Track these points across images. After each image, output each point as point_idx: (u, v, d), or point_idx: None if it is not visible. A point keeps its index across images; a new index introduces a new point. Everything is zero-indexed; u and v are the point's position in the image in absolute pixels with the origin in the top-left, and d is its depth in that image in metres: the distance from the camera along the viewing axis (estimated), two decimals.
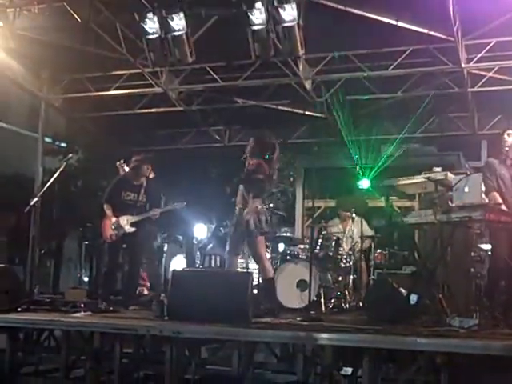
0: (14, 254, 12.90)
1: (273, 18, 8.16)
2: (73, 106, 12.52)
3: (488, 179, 6.35)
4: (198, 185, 13.05)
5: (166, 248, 11.03)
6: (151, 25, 8.60)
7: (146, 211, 8.28)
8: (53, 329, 6.85)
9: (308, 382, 5.88)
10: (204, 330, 5.70)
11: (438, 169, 6.73)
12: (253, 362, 6.13)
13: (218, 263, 10.85)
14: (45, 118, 12.30)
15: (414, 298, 6.11)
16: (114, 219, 8.18)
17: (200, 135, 13.57)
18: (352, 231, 9.56)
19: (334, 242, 8.91)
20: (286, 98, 11.80)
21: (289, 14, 8.10)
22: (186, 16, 8.52)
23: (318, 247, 8.82)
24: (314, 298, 7.60)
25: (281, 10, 8.10)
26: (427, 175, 6.54)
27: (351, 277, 8.90)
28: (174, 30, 8.56)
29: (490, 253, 6.97)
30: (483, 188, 6.01)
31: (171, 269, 9.08)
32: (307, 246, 9.06)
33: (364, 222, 9.50)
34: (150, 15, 8.58)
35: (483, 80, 10.51)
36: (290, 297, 8.11)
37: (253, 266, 8.76)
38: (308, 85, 10.92)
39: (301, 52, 8.54)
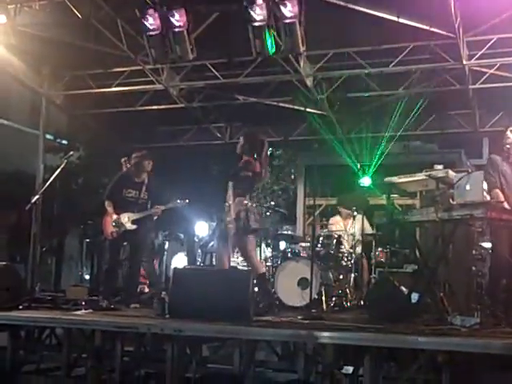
0: (15, 251, 12.90)
1: (274, 14, 8.14)
2: (74, 103, 12.50)
3: (491, 176, 6.35)
4: (199, 182, 13.04)
5: (167, 246, 11.05)
6: (152, 21, 8.58)
7: (148, 208, 8.28)
8: (54, 327, 6.86)
9: (309, 380, 5.88)
10: (205, 329, 5.70)
11: (440, 166, 6.71)
12: (254, 361, 6.13)
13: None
14: (46, 115, 12.28)
15: (415, 297, 6.11)
16: (115, 216, 8.17)
17: (201, 132, 13.55)
18: (353, 229, 9.55)
19: (335, 240, 8.90)
20: (287, 95, 11.77)
21: (290, 10, 8.08)
22: (186, 12, 8.50)
23: (319, 245, 8.82)
24: (315, 296, 7.60)
25: (282, 7, 8.08)
26: (428, 173, 6.52)
27: (352, 275, 8.89)
28: (175, 27, 8.54)
29: (490, 251, 6.96)
30: (485, 186, 6.00)
31: (172, 267, 9.09)
32: (308, 244, 9.06)
33: (365, 220, 9.49)
34: (150, 11, 8.56)
35: (485, 77, 10.48)
36: (291, 295, 8.11)
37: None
38: (309, 82, 10.90)
39: (302, 49, 8.52)
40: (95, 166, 13.47)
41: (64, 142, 14.14)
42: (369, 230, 9.64)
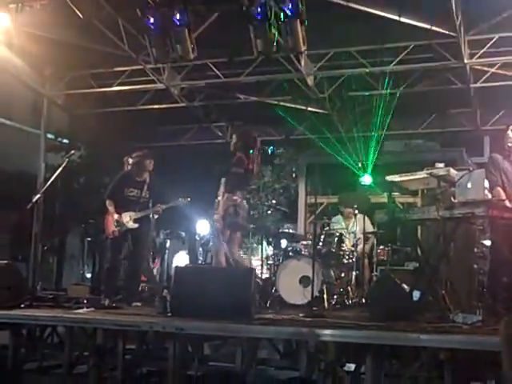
0: (17, 250, 12.89)
1: (275, 13, 8.15)
2: (75, 103, 12.51)
3: (492, 174, 6.35)
4: (200, 181, 13.04)
5: (168, 244, 11.04)
6: (153, 21, 8.59)
7: (149, 207, 8.29)
8: (56, 325, 6.88)
9: (311, 378, 5.88)
10: (207, 327, 5.70)
11: (441, 165, 6.70)
12: (256, 359, 6.14)
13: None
14: (47, 115, 12.30)
15: (416, 295, 6.11)
16: (116, 215, 8.19)
17: (202, 131, 13.57)
18: (354, 227, 9.55)
19: (336, 239, 8.91)
20: (288, 94, 11.78)
21: (291, 9, 8.09)
22: (188, 12, 8.51)
23: (320, 243, 8.83)
24: (316, 294, 7.61)
25: (283, 6, 8.09)
26: (430, 171, 6.51)
27: (354, 273, 8.90)
28: (176, 26, 8.55)
29: (490, 249, 6.96)
30: (486, 184, 6.00)
31: (174, 265, 9.10)
32: (310, 243, 9.06)
33: (366, 219, 9.50)
34: (152, 11, 8.57)
35: (486, 76, 10.49)
36: (293, 293, 8.11)
37: (256, 262, 8.79)
38: (310, 81, 10.90)
39: (303, 48, 8.53)
40: (96, 165, 13.46)
41: (65, 141, 14.12)
42: (370, 228, 9.64)
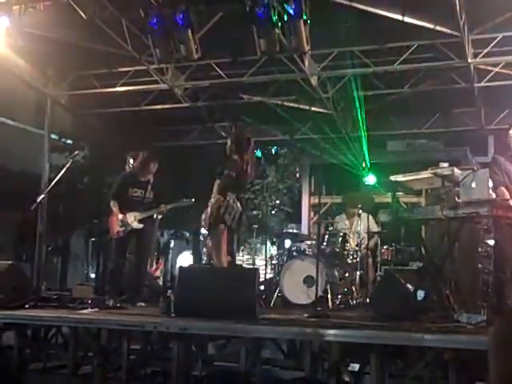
0: (21, 250, 12.92)
1: (278, 13, 8.15)
2: (79, 103, 12.52)
3: (495, 174, 6.34)
4: (204, 181, 13.05)
5: (172, 244, 11.06)
6: (156, 21, 8.59)
7: (154, 207, 8.30)
8: (60, 325, 6.88)
9: (315, 378, 5.87)
10: (211, 327, 5.71)
11: (445, 164, 6.70)
12: (260, 359, 6.13)
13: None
14: (51, 115, 12.31)
15: (421, 294, 6.10)
16: (121, 216, 8.20)
17: (206, 131, 13.57)
18: (358, 227, 9.56)
19: (340, 238, 8.92)
20: (292, 94, 11.78)
21: (294, 9, 8.08)
22: (191, 12, 8.51)
23: (324, 243, 8.83)
24: (320, 294, 7.61)
25: (286, 6, 8.09)
26: (434, 171, 6.51)
27: (358, 273, 8.90)
28: (180, 27, 8.55)
29: (493, 248, 6.93)
30: (490, 184, 5.99)
31: (178, 265, 9.11)
32: (314, 243, 9.07)
33: (370, 218, 9.50)
34: (155, 11, 8.57)
35: (490, 75, 10.47)
36: (297, 293, 8.13)
37: (260, 262, 8.80)
38: (314, 81, 10.90)
39: (306, 48, 8.53)
40: (100, 165, 13.49)
41: (69, 141, 14.15)
42: (374, 228, 9.64)
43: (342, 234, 9.01)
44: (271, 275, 9.51)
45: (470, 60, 9.78)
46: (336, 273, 8.67)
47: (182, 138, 13.77)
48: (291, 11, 8.13)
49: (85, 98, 12.27)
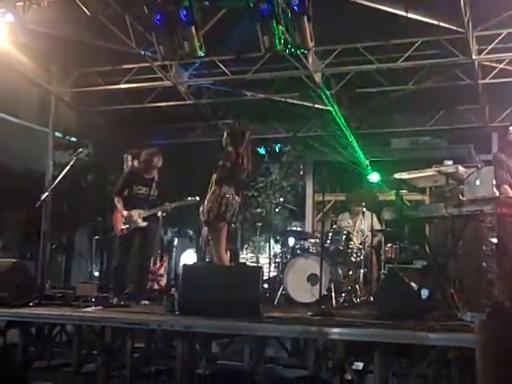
0: (26, 249, 12.96)
1: (282, 10, 8.12)
2: (83, 100, 12.53)
3: (498, 172, 6.32)
4: (208, 179, 13.05)
5: (176, 242, 11.06)
6: (160, 18, 8.57)
7: (158, 205, 8.30)
8: (64, 323, 6.90)
9: (319, 376, 5.87)
10: (215, 325, 5.70)
11: (449, 162, 6.68)
12: (264, 357, 6.12)
13: (229, 257, 10.84)
14: (55, 113, 12.32)
15: (425, 293, 6.09)
16: (125, 213, 8.19)
17: (209, 129, 13.56)
18: (362, 225, 9.54)
19: (344, 236, 8.89)
20: (296, 91, 11.76)
21: (298, 6, 8.06)
22: (194, 9, 8.49)
23: (328, 241, 8.81)
24: (324, 292, 7.60)
25: (290, 3, 8.06)
26: (438, 168, 6.49)
27: (362, 271, 8.87)
28: (183, 23, 8.53)
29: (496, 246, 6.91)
30: (493, 182, 5.97)
31: (181, 263, 9.10)
32: (318, 241, 9.06)
33: (374, 216, 9.47)
34: (158, 8, 8.55)
35: (494, 72, 10.44)
36: (301, 291, 8.11)
37: (263, 260, 8.79)
38: (317, 78, 10.88)
39: (310, 45, 8.50)
40: (104, 163, 13.50)
41: (73, 139, 14.19)
42: (378, 226, 9.61)
43: (345, 232, 8.99)
44: (275, 273, 9.50)
45: (474, 57, 9.75)
46: (340, 271, 8.65)
47: (186, 135, 13.76)
48: (295, 8, 8.11)
49: (88, 96, 12.28)
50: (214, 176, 7.31)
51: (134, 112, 12.45)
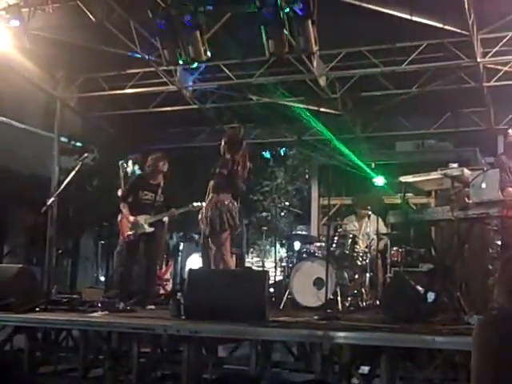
0: (32, 254, 12.99)
1: (286, 14, 8.13)
2: (88, 105, 12.56)
3: (500, 174, 6.31)
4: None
5: (181, 247, 11.05)
6: (165, 23, 8.59)
7: (164, 211, 8.31)
8: (71, 328, 6.90)
9: (326, 380, 5.86)
10: (221, 329, 5.70)
11: (455, 165, 6.68)
12: (270, 361, 6.12)
13: (235, 261, 10.83)
14: (60, 118, 12.36)
15: (431, 296, 6.07)
16: (131, 218, 8.19)
17: (214, 133, 13.55)
18: (368, 229, 9.52)
19: (350, 240, 8.88)
20: (301, 95, 11.76)
21: (302, 10, 8.06)
22: (199, 13, 8.51)
23: (334, 245, 8.80)
24: (330, 296, 7.59)
25: (294, 6, 8.07)
26: (443, 171, 6.48)
27: (368, 275, 8.87)
28: (188, 28, 8.55)
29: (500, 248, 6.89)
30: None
31: (187, 268, 9.10)
32: (323, 244, 9.04)
33: (380, 220, 9.46)
34: (163, 13, 8.57)
35: (499, 74, 10.42)
36: (307, 295, 8.10)
37: (269, 264, 8.77)
38: (322, 81, 10.88)
39: (315, 48, 8.51)
40: (110, 167, 13.52)
41: (78, 144, 14.21)
42: (384, 229, 9.60)
43: (351, 236, 8.98)
44: (281, 277, 9.49)
45: (478, 59, 9.74)
46: (346, 275, 8.64)
47: (191, 139, 13.77)
48: (299, 12, 8.11)
49: (94, 101, 12.31)
50: (211, 183, 7.35)
51: (139, 117, 12.48)
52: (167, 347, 6.40)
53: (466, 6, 8.43)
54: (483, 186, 5.77)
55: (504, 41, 9.55)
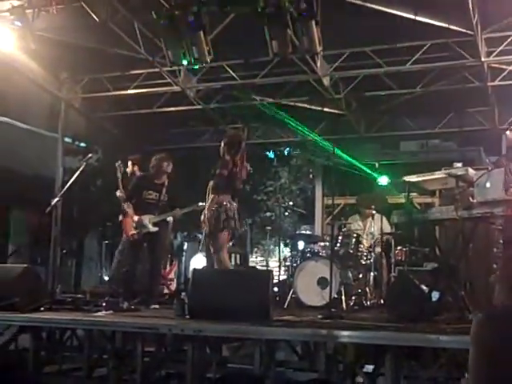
0: (36, 254, 12.99)
1: (290, 14, 8.13)
2: (92, 106, 12.58)
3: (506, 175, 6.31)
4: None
5: (185, 247, 11.05)
6: (169, 23, 8.60)
7: (168, 211, 8.32)
8: (75, 328, 6.91)
9: (330, 379, 5.86)
10: (225, 329, 5.71)
11: (459, 164, 6.67)
12: (274, 361, 6.11)
13: (239, 261, 10.85)
14: (64, 118, 12.38)
15: (435, 295, 6.07)
16: (136, 218, 8.21)
17: (218, 133, 13.55)
18: (372, 228, 9.52)
19: (354, 239, 8.89)
20: (304, 95, 11.76)
21: (306, 10, 8.06)
22: (202, 14, 8.51)
23: (338, 244, 8.81)
24: (334, 295, 7.59)
25: (298, 7, 8.07)
26: (448, 171, 6.48)
27: (372, 274, 8.87)
28: (192, 28, 8.55)
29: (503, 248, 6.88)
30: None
31: (191, 267, 9.12)
32: (327, 244, 9.05)
33: (384, 219, 9.46)
34: (167, 13, 8.58)
35: (503, 74, 10.41)
36: (311, 294, 8.11)
37: (273, 263, 8.78)
38: (326, 81, 10.88)
39: (318, 48, 8.51)
40: (114, 168, 13.53)
41: (82, 144, 14.22)
42: (388, 228, 9.60)
43: (355, 235, 8.98)
44: (285, 277, 9.50)
45: (483, 59, 9.72)
46: (350, 274, 8.64)
47: (195, 140, 13.79)
48: (303, 12, 8.11)
49: (98, 101, 12.33)
50: (211, 184, 7.38)
51: (143, 117, 12.49)
52: (171, 346, 6.40)
53: (470, 5, 8.42)
54: (488, 185, 5.76)
55: (508, 40, 9.52)
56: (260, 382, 5.94)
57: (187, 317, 6.23)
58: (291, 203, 17.23)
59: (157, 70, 10.84)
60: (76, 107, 12.42)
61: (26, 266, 7.49)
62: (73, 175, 7.86)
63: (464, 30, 9.18)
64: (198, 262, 10.91)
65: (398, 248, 9.33)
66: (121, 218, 8.83)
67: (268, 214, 18.18)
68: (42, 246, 11.88)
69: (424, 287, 6.12)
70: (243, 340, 6.45)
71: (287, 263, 9.44)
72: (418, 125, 12.47)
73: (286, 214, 17.40)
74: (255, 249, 18.40)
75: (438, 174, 6.62)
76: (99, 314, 6.80)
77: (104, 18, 9.08)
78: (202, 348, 5.90)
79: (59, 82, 12.04)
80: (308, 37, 8.25)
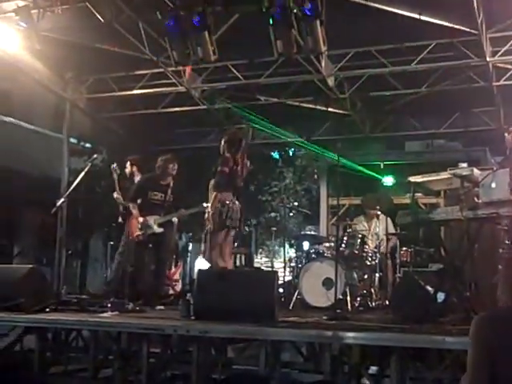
0: (42, 254, 13.03)
1: (294, 14, 8.13)
2: (97, 106, 12.59)
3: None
4: None
5: (190, 247, 11.04)
6: (173, 23, 8.60)
7: (174, 211, 8.32)
8: (81, 329, 6.92)
9: (335, 381, 5.85)
10: (230, 330, 5.71)
11: (464, 164, 6.67)
12: (279, 362, 6.12)
13: (244, 262, 10.84)
14: (69, 119, 12.38)
15: (441, 296, 6.06)
16: (141, 219, 8.22)
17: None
18: (377, 229, 9.51)
19: (359, 240, 8.87)
20: (309, 95, 11.75)
21: (310, 10, 8.06)
22: (207, 14, 8.51)
23: (343, 245, 8.79)
24: (339, 296, 7.58)
25: (302, 6, 8.06)
26: (453, 171, 6.47)
27: (377, 275, 8.85)
28: (196, 29, 8.55)
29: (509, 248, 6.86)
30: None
31: (196, 268, 9.11)
32: (332, 244, 9.04)
33: (389, 220, 9.45)
34: (172, 14, 8.58)
35: (509, 73, 10.38)
36: (316, 295, 8.10)
37: (278, 264, 8.77)
38: (331, 81, 10.86)
39: (323, 48, 8.50)
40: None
41: (88, 145, 14.25)
42: (393, 229, 9.58)
43: (360, 236, 8.96)
44: (290, 277, 9.48)
45: (488, 58, 9.69)
46: (355, 275, 8.63)
47: (200, 140, 13.79)
48: (308, 12, 8.10)
49: (103, 102, 12.34)
50: (212, 182, 7.39)
51: (148, 117, 12.51)
52: (177, 347, 6.40)
53: (475, 5, 8.40)
54: (493, 185, 5.75)
55: None
56: (265, 383, 5.95)
57: (192, 318, 6.24)
58: (296, 204, 17.22)
59: (162, 70, 10.85)
60: (81, 107, 12.43)
61: (31, 266, 7.49)
62: (78, 176, 7.87)
63: (469, 30, 9.15)
64: (203, 262, 10.90)
65: (404, 249, 9.32)
66: (120, 220, 8.85)
67: (273, 214, 18.18)
68: (48, 246, 11.90)
69: (429, 288, 6.11)
70: (248, 341, 6.45)
71: (292, 264, 9.43)
72: (422, 125, 12.45)
73: (291, 214, 17.40)
74: (260, 249, 18.41)
75: (443, 175, 6.61)
76: (105, 314, 6.80)
77: (109, 18, 9.08)
78: (208, 349, 5.91)
79: (64, 83, 12.05)
80: (313, 37, 8.24)
